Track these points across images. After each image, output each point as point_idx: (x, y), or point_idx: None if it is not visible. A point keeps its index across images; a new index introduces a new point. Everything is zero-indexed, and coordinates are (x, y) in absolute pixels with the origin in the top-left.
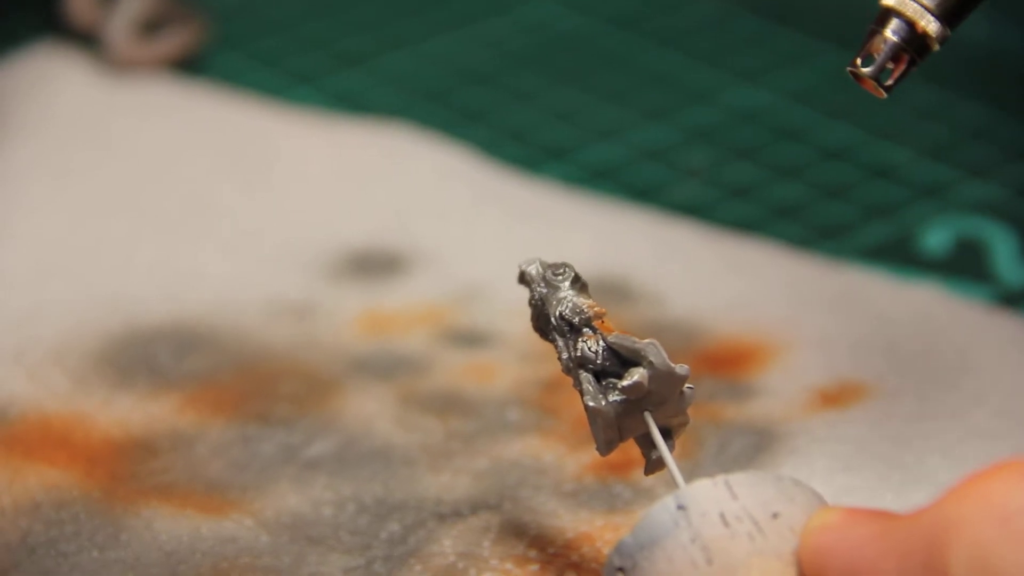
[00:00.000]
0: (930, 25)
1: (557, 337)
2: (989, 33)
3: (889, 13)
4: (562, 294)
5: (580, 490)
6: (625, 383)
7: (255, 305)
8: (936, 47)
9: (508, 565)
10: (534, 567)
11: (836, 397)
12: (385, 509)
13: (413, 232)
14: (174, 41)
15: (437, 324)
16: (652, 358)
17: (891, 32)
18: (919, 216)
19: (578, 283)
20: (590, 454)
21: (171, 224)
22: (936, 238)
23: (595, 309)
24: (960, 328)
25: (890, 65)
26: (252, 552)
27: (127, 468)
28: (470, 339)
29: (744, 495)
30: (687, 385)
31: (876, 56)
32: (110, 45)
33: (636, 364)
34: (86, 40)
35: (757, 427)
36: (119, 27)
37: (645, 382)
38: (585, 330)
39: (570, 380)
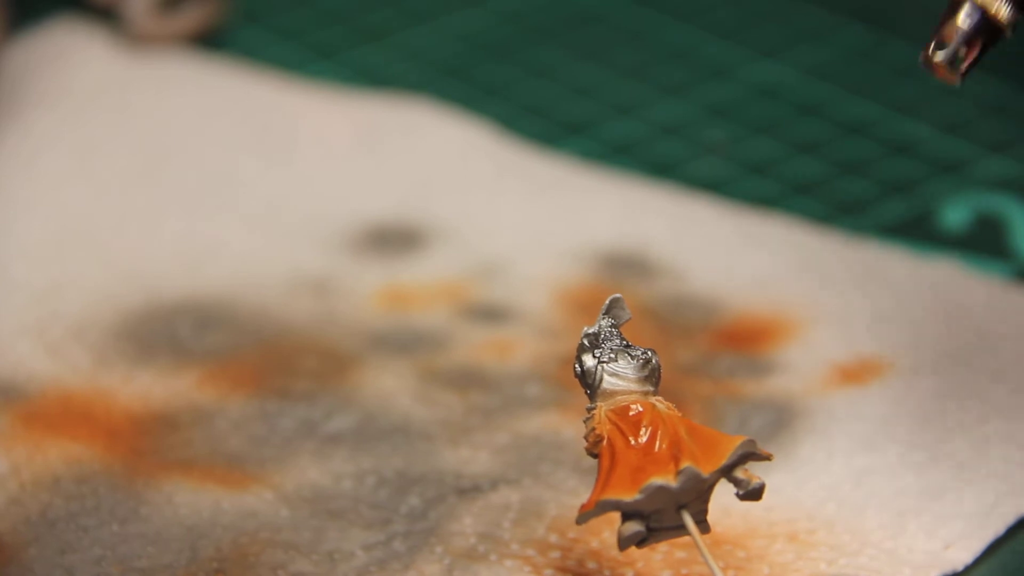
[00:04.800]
0: (1002, 10)
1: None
2: None
3: (963, 1)
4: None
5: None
6: (621, 546)
7: (275, 280)
8: (1009, 33)
9: (530, 551)
10: (555, 554)
11: (855, 373)
12: (405, 482)
13: (433, 207)
14: (194, 16)
15: (457, 299)
16: (624, 508)
17: (964, 18)
18: (938, 192)
19: (596, 379)
20: None
21: (191, 199)
22: (955, 214)
23: (592, 436)
24: (979, 305)
25: (962, 51)
26: (272, 527)
27: (148, 443)
28: (490, 314)
29: None
30: (679, 477)
31: (948, 43)
32: (130, 20)
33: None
34: (106, 15)
35: (777, 404)
36: (139, 2)
37: (638, 530)
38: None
39: None
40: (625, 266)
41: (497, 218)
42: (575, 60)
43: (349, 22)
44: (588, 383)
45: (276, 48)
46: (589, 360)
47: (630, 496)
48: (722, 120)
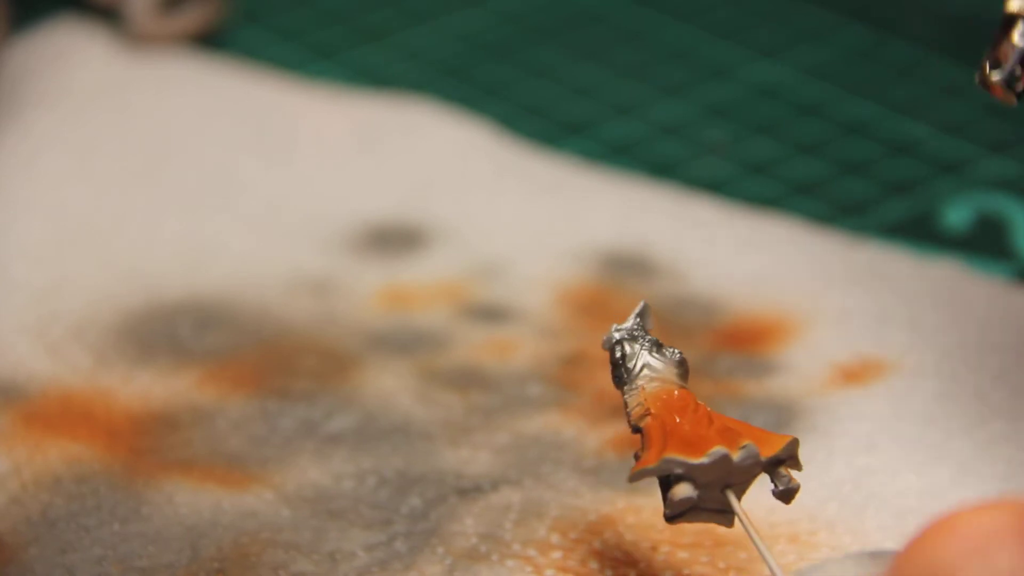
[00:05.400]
0: None
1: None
2: None
3: (1015, 18)
4: (624, 391)
5: (601, 467)
6: (667, 510)
7: (275, 280)
8: None
9: (531, 551)
10: (557, 554)
11: (857, 374)
12: (406, 482)
13: (433, 207)
14: (194, 16)
15: (457, 299)
16: (677, 470)
17: (1019, 37)
18: (940, 192)
19: (636, 360)
20: (611, 429)
21: (191, 199)
22: (957, 214)
23: (639, 408)
24: (981, 305)
25: (1019, 71)
26: (273, 527)
27: (148, 442)
28: (490, 314)
29: None
30: (740, 451)
31: (1005, 63)
32: (130, 19)
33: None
34: (107, 14)
35: (777, 404)
36: (139, 2)
37: (690, 495)
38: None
39: (590, 355)
40: (625, 266)
41: (497, 218)
42: (575, 60)
43: (349, 22)
44: (628, 369)
45: (276, 48)
46: (630, 348)
47: (695, 458)
48: (722, 120)
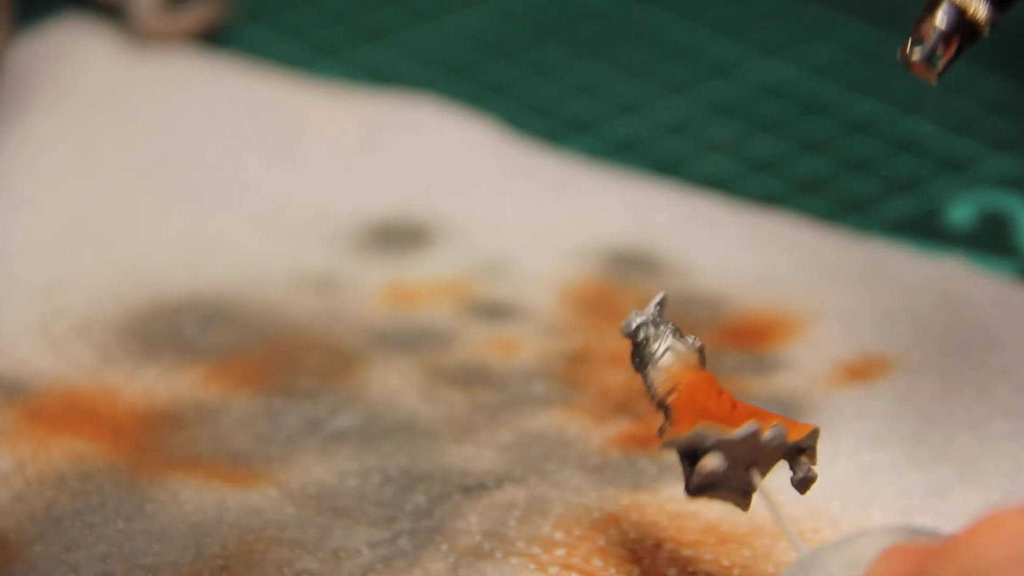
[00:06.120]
0: (980, 10)
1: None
2: (1016, 5)
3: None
4: (646, 370)
5: (605, 465)
6: (695, 480)
7: (280, 278)
8: (986, 32)
9: (535, 549)
10: (561, 551)
11: (861, 371)
12: (410, 480)
13: (437, 205)
14: (198, 14)
15: (461, 297)
16: (708, 442)
17: (941, 17)
18: (943, 190)
19: (661, 342)
20: (615, 427)
21: (196, 197)
22: (960, 212)
23: (667, 384)
24: (985, 302)
25: (940, 49)
26: (278, 524)
27: (152, 440)
28: (494, 312)
29: None
30: (770, 430)
31: (925, 41)
32: (135, 17)
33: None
34: (111, 12)
35: (782, 401)
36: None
37: (719, 467)
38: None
39: (595, 353)
40: (630, 264)
41: (501, 216)
42: (579, 58)
43: (353, 20)
44: (651, 351)
45: (280, 46)
46: (654, 329)
47: (727, 432)
48: (726, 118)
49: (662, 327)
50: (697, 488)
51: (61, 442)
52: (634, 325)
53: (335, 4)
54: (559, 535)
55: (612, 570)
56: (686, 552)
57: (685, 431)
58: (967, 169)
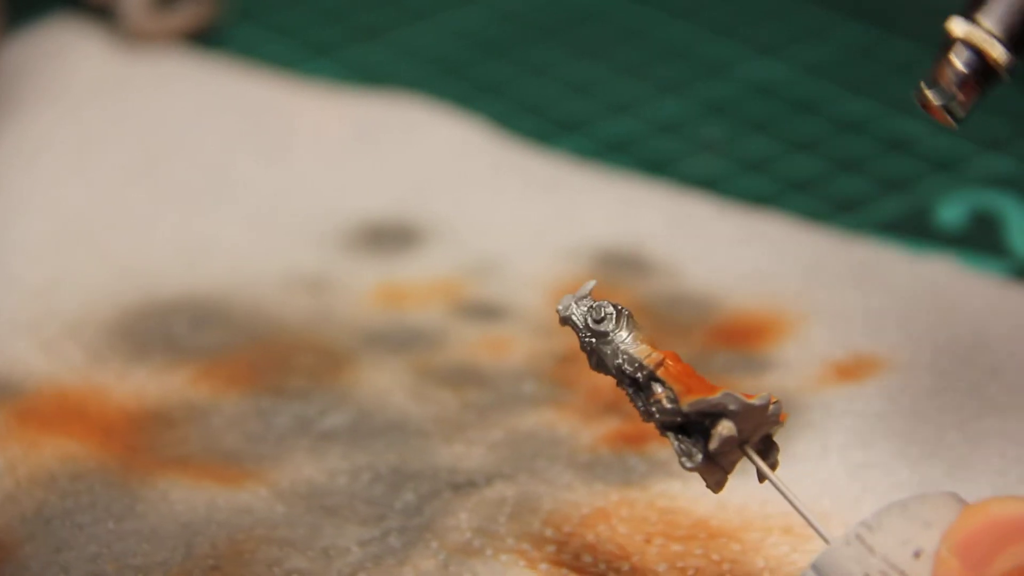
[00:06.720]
0: (1000, 54)
1: (626, 387)
2: None
3: (957, 42)
4: (614, 345)
5: (595, 462)
6: (714, 444)
7: (271, 278)
8: (1005, 76)
9: (525, 545)
10: (551, 548)
11: (851, 370)
12: (400, 478)
13: (429, 205)
14: (190, 13)
15: (452, 297)
16: (732, 406)
17: (960, 62)
18: (934, 189)
19: (624, 322)
20: (605, 425)
21: (187, 197)
22: (951, 212)
23: (653, 356)
24: (975, 302)
25: (960, 96)
26: (268, 523)
27: (143, 440)
28: (485, 312)
29: (880, 544)
30: (772, 403)
31: (944, 85)
32: (126, 17)
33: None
34: (102, 12)
35: None
36: None
37: (735, 432)
38: (654, 386)
39: (584, 354)
40: (621, 263)
41: (493, 216)
42: (571, 58)
43: (345, 20)
44: (611, 329)
45: (272, 45)
46: (611, 311)
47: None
48: (719, 117)
49: (607, 308)
50: (710, 454)
51: (52, 442)
52: (573, 307)
53: (327, 4)
54: (549, 532)
55: (602, 566)
56: (676, 547)
57: (711, 393)
58: (958, 168)
